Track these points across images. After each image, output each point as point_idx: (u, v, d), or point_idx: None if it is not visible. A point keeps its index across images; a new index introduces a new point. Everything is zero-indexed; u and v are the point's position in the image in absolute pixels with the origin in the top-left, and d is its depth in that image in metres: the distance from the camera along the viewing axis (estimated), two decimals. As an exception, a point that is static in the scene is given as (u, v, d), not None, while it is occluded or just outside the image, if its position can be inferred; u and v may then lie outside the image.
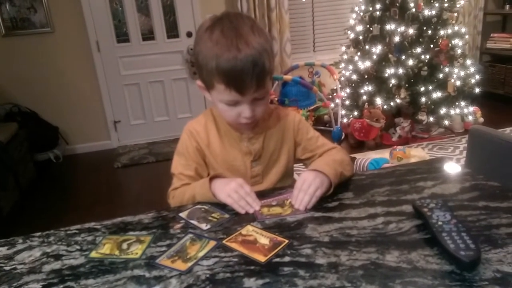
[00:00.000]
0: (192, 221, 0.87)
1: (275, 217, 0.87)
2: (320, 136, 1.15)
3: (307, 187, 0.91)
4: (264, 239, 0.78)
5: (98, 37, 3.77)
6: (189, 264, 0.72)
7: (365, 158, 2.79)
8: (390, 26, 3.39)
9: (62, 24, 3.66)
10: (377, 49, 3.45)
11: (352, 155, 2.92)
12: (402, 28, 3.36)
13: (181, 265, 0.72)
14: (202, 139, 1.08)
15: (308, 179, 0.92)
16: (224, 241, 0.78)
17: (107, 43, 3.81)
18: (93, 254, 0.78)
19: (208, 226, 0.84)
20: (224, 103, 0.97)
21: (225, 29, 0.91)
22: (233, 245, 0.77)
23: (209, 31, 0.93)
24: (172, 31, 3.95)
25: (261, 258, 0.72)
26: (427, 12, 3.36)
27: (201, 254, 0.75)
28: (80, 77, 3.83)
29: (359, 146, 3.43)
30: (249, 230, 0.82)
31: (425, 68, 3.44)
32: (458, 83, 3.46)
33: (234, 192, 0.91)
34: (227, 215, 0.89)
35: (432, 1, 3.38)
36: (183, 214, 0.91)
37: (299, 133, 1.13)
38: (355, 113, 3.67)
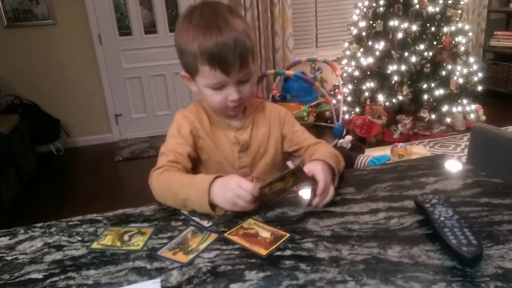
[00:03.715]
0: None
1: (277, 194, 0.84)
2: (305, 130, 1.17)
3: (329, 185, 0.88)
4: (265, 233, 0.78)
5: (100, 29, 3.76)
6: (191, 256, 0.72)
7: (367, 156, 2.79)
8: (393, 23, 3.38)
9: (64, 17, 3.65)
10: (380, 45, 3.43)
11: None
12: (405, 25, 3.34)
13: (182, 257, 0.72)
14: (195, 122, 1.07)
15: (329, 177, 0.89)
16: (225, 234, 0.78)
17: (109, 36, 3.81)
18: (95, 245, 0.78)
19: (210, 223, 0.83)
20: (210, 88, 0.97)
21: (203, 12, 0.93)
22: (235, 238, 0.77)
23: (188, 17, 0.95)
24: (174, 24, 3.90)
25: (262, 252, 0.72)
26: (431, 9, 3.35)
27: (202, 246, 0.75)
28: (82, 70, 3.82)
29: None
30: (251, 223, 0.82)
31: (428, 65, 3.44)
32: (460, 80, 3.45)
33: (234, 198, 0.80)
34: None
35: (436, -3, 3.37)
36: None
37: (285, 126, 1.14)
38: (357, 109, 3.67)
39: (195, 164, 1.06)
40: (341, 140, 3.11)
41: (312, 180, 0.89)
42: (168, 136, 1.06)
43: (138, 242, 0.78)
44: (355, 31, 3.71)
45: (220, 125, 1.08)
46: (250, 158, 1.09)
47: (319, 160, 0.93)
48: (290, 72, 3.63)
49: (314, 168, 0.89)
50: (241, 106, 1.04)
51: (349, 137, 3.10)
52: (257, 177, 1.02)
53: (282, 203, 0.89)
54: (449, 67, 3.41)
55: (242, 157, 1.08)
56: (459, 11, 3.56)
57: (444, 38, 3.39)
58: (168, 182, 0.92)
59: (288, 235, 0.77)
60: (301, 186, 0.92)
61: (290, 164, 1.07)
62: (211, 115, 1.08)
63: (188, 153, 1.01)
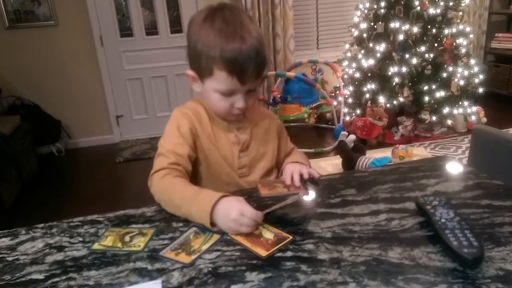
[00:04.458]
0: None
1: (276, 193, 0.94)
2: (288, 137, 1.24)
3: (298, 169, 1.00)
4: (269, 234, 0.78)
5: (101, 31, 3.76)
6: (193, 257, 0.72)
7: (368, 158, 2.79)
8: (394, 24, 3.38)
9: (66, 18, 3.65)
10: (381, 47, 3.43)
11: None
12: (406, 26, 3.35)
13: (185, 258, 0.72)
14: (194, 120, 1.05)
15: (296, 167, 1.01)
16: (229, 233, 0.79)
17: (110, 37, 3.81)
18: (96, 246, 0.78)
19: (216, 229, 0.82)
20: (219, 93, 0.97)
21: (226, 18, 0.94)
22: (238, 238, 0.77)
23: (209, 20, 0.94)
24: (176, 26, 3.94)
25: (263, 253, 0.72)
26: (432, 11, 3.35)
27: (204, 247, 0.75)
28: (83, 71, 3.83)
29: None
30: None
31: (429, 67, 3.44)
32: (461, 82, 3.45)
33: (236, 227, 0.80)
34: None
35: (437, -1, 3.37)
36: None
37: (282, 135, 1.19)
38: (358, 111, 3.67)
39: (193, 164, 1.04)
40: (344, 133, 3.11)
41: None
42: (167, 135, 1.04)
43: (139, 243, 0.78)
44: (356, 33, 3.71)
45: (220, 124, 1.07)
46: (249, 159, 1.09)
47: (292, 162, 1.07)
48: (291, 74, 3.63)
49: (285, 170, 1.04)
50: (244, 114, 1.06)
51: (352, 136, 3.08)
52: (262, 182, 1.02)
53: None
54: (450, 69, 3.41)
55: (241, 157, 1.08)
56: (460, 13, 3.56)
57: (445, 40, 3.39)
58: (170, 192, 0.90)
59: (290, 237, 0.77)
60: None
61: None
62: (211, 114, 1.07)
63: (188, 154, 1.00)
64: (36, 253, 0.77)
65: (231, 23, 0.92)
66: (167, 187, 0.91)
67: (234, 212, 0.79)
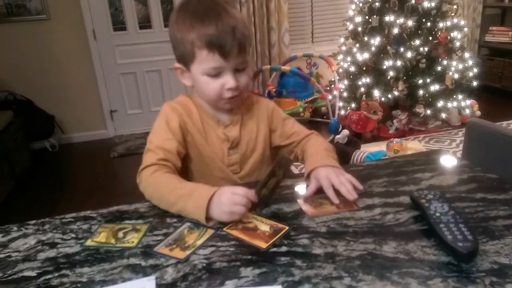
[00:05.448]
0: None
1: (274, 190, 0.86)
2: (294, 121, 1.14)
3: (337, 179, 0.88)
4: (264, 226, 0.78)
5: (94, 25, 3.72)
6: (188, 252, 0.72)
7: (362, 152, 2.79)
8: (389, 18, 3.37)
9: (58, 12, 3.61)
10: (376, 40, 3.43)
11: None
12: (401, 20, 3.34)
13: (179, 253, 0.72)
14: (184, 115, 1.03)
15: (331, 173, 0.89)
16: (224, 229, 0.78)
17: (103, 31, 3.77)
18: (89, 243, 0.77)
19: (211, 223, 0.81)
20: (206, 75, 0.95)
21: (201, 1, 0.95)
22: (234, 232, 0.77)
23: (183, 8, 0.95)
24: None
25: (262, 245, 0.72)
26: (426, 4, 3.35)
27: (199, 242, 0.74)
28: (76, 66, 3.79)
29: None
30: (249, 217, 0.81)
31: (424, 60, 3.43)
32: (456, 76, 3.45)
33: (230, 207, 0.79)
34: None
35: (431, -7, 3.36)
36: None
37: (273, 120, 1.11)
38: (353, 105, 3.67)
39: (182, 160, 1.01)
40: (338, 136, 3.11)
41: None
42: (156, 130, 1.02)
43: (132, 239, 0.77)
44: (351, 26, 3.70)
45: (209, 119, 1.05)
46: (239, 156, 1.07)
47: (323, 166, 0.92)
48: (286, 68, 3.62)
49: (318, 179, 0.90)
50: (237, 99, 1.01)
51: (346, 132, 3.09)
52: (305, 200, 0.90)
53: (277, 200, 0.89)
54: (445, 62, 3.42)
55: (231, 155, 1.06)
56: (455, 6, 3.56)
57: (439, 33, 3.39)
58: (161, 188, 0.89)
59: (287, 228, 0.77)
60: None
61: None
62: (201, 108, 1.05)
63: (176, 150, 0.97)
64: (28, 250, 0.77)
65: (206, 5, 0.93)
66: (158, 183, 0.90)
67: (226, 195, 0.79)
